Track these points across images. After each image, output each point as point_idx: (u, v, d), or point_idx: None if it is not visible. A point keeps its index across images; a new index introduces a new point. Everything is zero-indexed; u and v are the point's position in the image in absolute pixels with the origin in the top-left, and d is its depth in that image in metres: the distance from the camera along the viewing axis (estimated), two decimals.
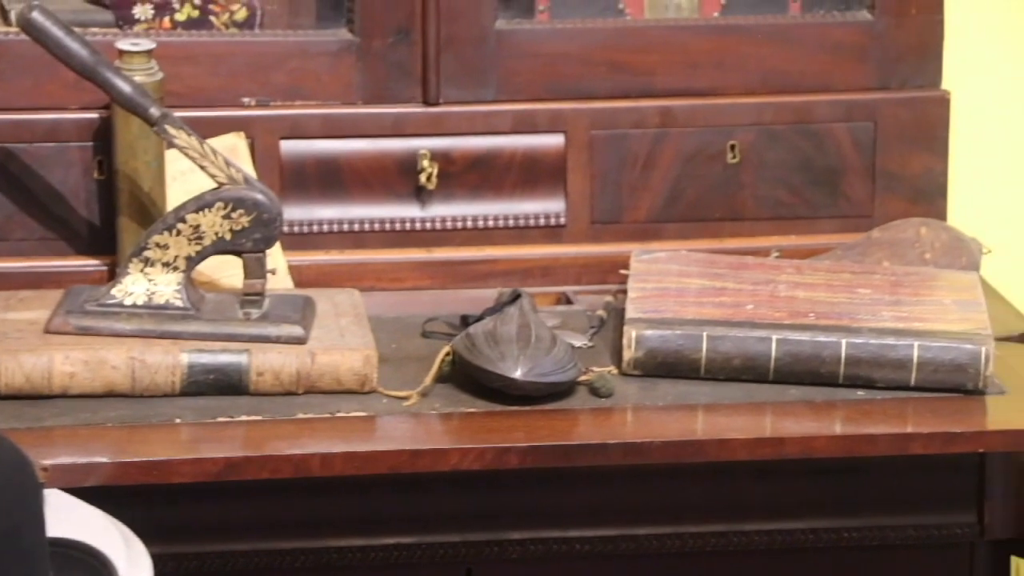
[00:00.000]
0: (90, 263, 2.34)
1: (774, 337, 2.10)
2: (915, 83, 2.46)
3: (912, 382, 2.09)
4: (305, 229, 2.39)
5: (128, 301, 2.12)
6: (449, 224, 2.42)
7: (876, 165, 2.46)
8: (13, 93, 2.33)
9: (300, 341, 2.10)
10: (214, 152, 2.14)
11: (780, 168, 2.45)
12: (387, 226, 2.41)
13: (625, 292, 2.23)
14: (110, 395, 2.06)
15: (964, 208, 2.62)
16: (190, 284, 2.14)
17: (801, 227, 2.46)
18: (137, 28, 2.39)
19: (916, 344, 2.08)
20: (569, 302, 2.38)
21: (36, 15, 2.13)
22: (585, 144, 2.43)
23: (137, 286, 2.13)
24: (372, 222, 2.41)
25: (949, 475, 2.15)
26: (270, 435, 2.00)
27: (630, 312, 2.15)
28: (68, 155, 2.34)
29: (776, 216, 2.46)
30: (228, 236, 2.13)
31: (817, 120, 2.44)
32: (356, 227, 2.41)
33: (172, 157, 2.27)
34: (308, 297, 2.20)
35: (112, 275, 2.29)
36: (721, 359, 2.11)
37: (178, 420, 2.03)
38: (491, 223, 2.42)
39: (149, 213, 2.27)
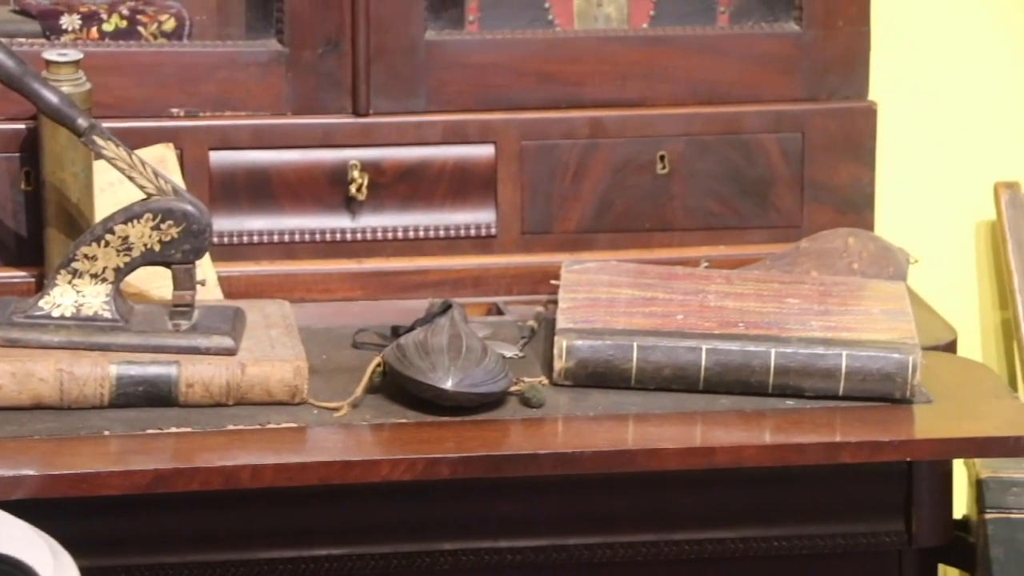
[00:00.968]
0: (17, 275, 2.32)
1: (704, 347, 2.11)
2: (843, 94, 2.48)
3: (840, 391, 2.11)
4: (235, 240, 2.38)
5: (56, 313, 2.11)
6: (380, 235, 2.42)
7: (804, 175, 2.48)
8: None
9: (230, 352, 2.09)
10: (143, 163, 2.13)
11: (709, 178, 2.46)
12: (317, 237, 2.40)
13: (556, 302, 2.24)
14: (38, 407, 2.05)
15: (891, 218, 2.64)
16: (119, 296, 2.13)
17: (730, 237, 2.47)
18: (64, 38, 2.37)
19: (844, 354, 2.10)
20: (500, 312, 2.38)
21: None
22: (515, 155, 2.43)
23: (65, 298, 2.12)
24: (302, 233, 2.40)
25: (877, 484, 2.17)
26: (200, 447, 1.99)
27: (561, 322, 2.16)
28: None
29: (705, 226, 2.47)
30: (157, 247, 2.12)
31: (746, 131, 2.46)
32: (286, 238, 2.40)
33: (100, 168, 2.26)
34: (238, 308, 2.19)
35: (40, 287, 2.27)
36: (651, 369, 2.11)
37: (107, 432, 2.01)
38: (422, 234, 2.42)
39: (77, 224, 2.26)
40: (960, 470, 2.56)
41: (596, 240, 2.45)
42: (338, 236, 2.41)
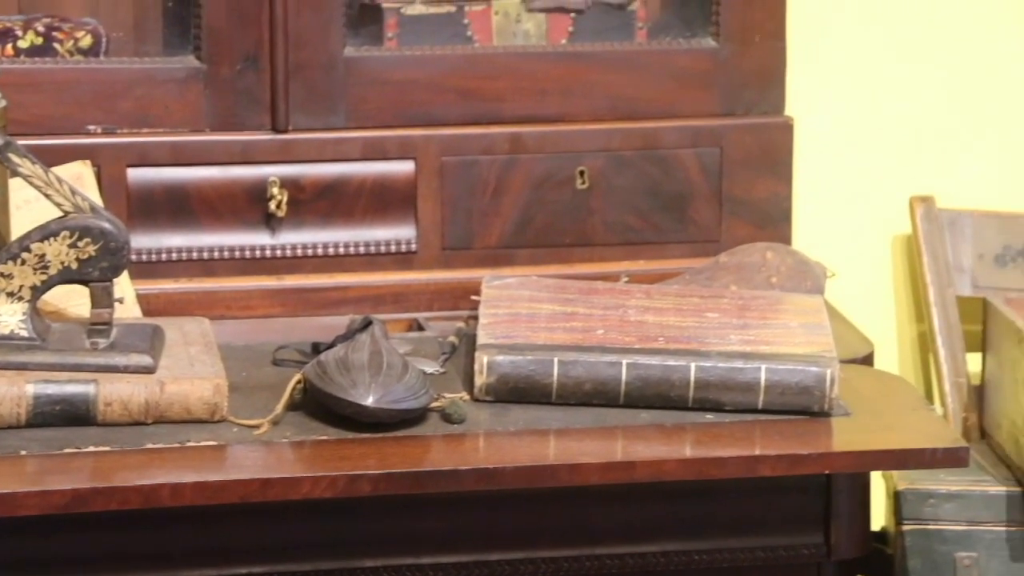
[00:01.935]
0: None
1: (624, 362, 2.11)
2: (760, 109, 2.50)
3: (760, 405, 2.12)
4: (153, 257, 2.37)
5: None
6: (300, 251, 2.41)
7: (723, 190, 2.49)
8: None
9: (149, 370, 2.08)
10: (59, 180, 2.11)
11: (628, 193, 2.47)
12: (237, 254, 2.39)
13: (476, 318, 2.24)
14: None
15: (808, 232, 2.66)
16: (36, 314, 2.11)
17: (650, 252, 2.48)
18: None
19: (763, 367, 2.11)
20: (421, 328, 2.38)
21: None
22: (435, 171, 2.43)
23: None
24: (222, 250, 2.39)
25: (796, 496, 2.18)
26: (118, 466, 1.98)
27: (481, 338, 2.16)
28: None
29: (625, 241, 2.48)
30: (74, 265, 2.10)
31: (664, 146, 2.47)
32: (205, 255, 2.39)
33: (16, 186, 2.24)
34: (157, 326, 2.18)
35: None
36: (572, 384, 2.12)
37: (24, 452, 1.99)
38: (342, 250, 2.42)
39: None
40: (878, 482, 2.58)
41: (516, 255, 2.46)
42: (258, 253, 2.40)
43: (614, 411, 2.11)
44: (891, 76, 2.77)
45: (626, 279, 2.43)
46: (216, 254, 2.39)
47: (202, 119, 2.38)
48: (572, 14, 2.50)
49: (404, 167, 2.43)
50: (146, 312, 2.33)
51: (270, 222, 2.40)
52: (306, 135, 2.40)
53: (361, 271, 2.42)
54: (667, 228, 2.49)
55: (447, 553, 2.13)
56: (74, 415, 2.04)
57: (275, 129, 2.40)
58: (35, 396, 2.04)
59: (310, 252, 2.41)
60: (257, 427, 2.06)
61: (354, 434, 2.05)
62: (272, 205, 2.38)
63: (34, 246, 2.10)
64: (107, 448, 2.01)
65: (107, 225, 2.10)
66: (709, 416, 2.11)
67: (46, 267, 2.10)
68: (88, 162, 2.33)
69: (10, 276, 2.10)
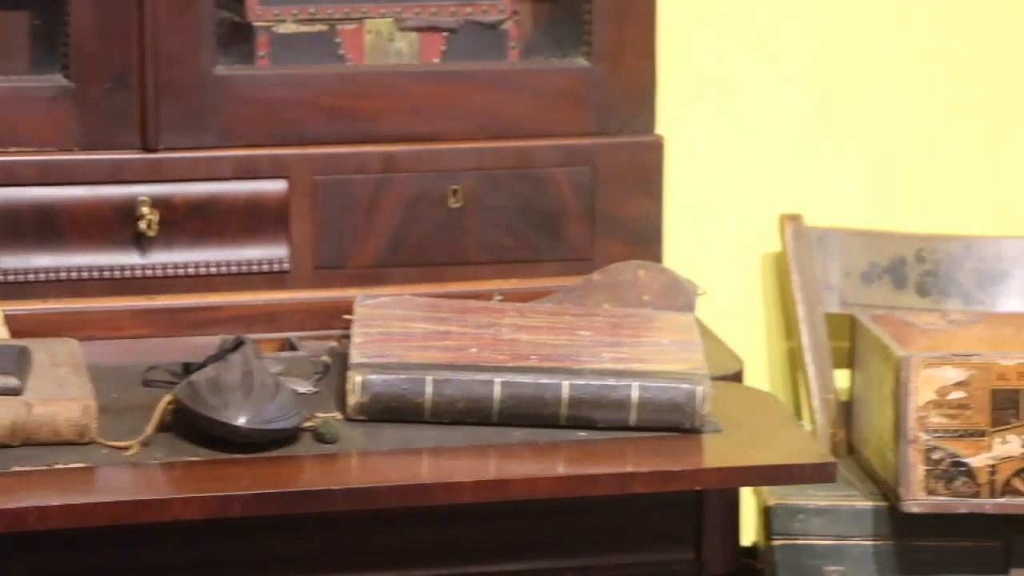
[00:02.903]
0: None
1: (497, 380, 2.12)
2: (631, 128, 2.52)
3: (632, 422, 2.13)
4: (21, 278, 2.34)
5: None
6: (171, 271, 2.39)
7: (595, 209, 2.51)
8: None
9: (15, 392, 2.05)
10: None
11: (501, 212, 2.48)
12: (106, 274, 2.37)
13: (349, 337, 2.23)
14: None
15: (679, 250, 2.68)
16: None
17: (523, 270, 2.49)
18: None
19: (635, 384, 2.12)
20: (293, 348, 2.37)
21: None
22: (308, 189, 2.42)
23: None
24: (91, 270, 2.37)
25: (668, 513, 2.19)
26: None
27: (354, 357, 2.15)
28: None
29: (498, 260, 2.49)
30: None
31: (537, 165, 2.48)
32: (74, 275, 2.36)
33: None
34: (24, 347, 2.15)
35: None
36: (445, 402, 2.12)
37: None
38: (213, 270, 2.40)
39: None
40: (748, 498, 2.61)
41: (390, 275, 2.46)
42: (128, 273, 2.38)
43: (488, 429, 2.12)
44: (760, 95, 2.81)
45: (499, 297, 2.44)
46: (85, 274, 2.36)
47: (70, 138, 2.36)
48: (445, 33, 2.50)
49: (277, 186, 2.42)
50: (14, 333, 2.30)
51: (140, 242, 2.38)
52: (177, 154, 2.38)
53: (233, 291, 2.41)
54: (540, 246, 2.50)
55: (321, 573, 2.12)
56: None
57: (145, 148, 2.38)
58: None
59: (181, 272, 2.39)
60: (127, 449, 2.04)
61: (226, 455, 2.03)
62: (142, 224, 2.36)
63: None
64: None
65: None
66: (582, 434, 2.12)
67: None
68: None
69: None
